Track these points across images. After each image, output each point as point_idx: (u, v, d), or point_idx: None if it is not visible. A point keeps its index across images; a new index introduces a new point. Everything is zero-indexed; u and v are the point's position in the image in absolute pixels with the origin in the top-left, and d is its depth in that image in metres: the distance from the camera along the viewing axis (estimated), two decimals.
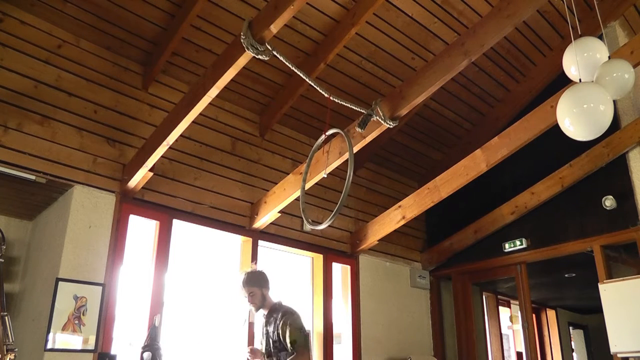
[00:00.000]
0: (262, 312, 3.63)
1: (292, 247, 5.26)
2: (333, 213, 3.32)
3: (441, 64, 3.63)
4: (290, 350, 3.34)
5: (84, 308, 3.62)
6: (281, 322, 3.42)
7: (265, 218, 4.75)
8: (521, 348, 6.85)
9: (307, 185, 4.61)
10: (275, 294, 3.73)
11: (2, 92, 3.60)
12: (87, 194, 3.86)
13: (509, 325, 8.05)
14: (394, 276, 6.12)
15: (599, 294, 4.89)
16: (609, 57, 2.70)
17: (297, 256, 5.43)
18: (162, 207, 4.30)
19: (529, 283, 5.80)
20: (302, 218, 5.32)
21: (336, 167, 4.48)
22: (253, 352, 3.65)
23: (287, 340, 3.35)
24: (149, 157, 3.77)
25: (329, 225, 5.54)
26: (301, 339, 3.37)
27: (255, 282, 3.60)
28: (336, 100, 3.57)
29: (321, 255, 5.45)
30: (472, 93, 5.89)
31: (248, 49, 3.00)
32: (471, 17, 4.88)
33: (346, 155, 4.22)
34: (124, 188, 4.02)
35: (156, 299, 4.05)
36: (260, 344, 3.64)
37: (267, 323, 3.55)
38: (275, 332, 3.43)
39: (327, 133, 3.73)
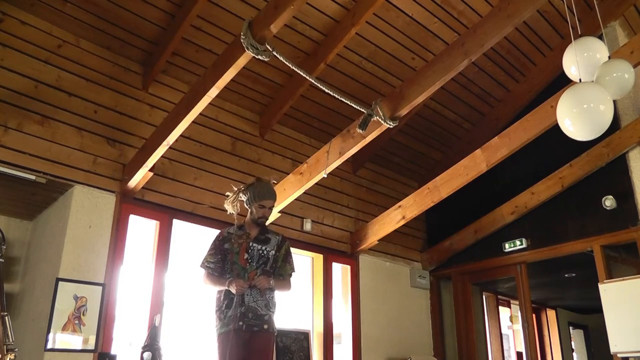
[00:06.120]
0: (246, 230, 3.42)
1: (292, 247, 5.19)
2: None
3: (441, 64, 3.63)
4: (282, 278, 3.38)
5: (84, 308, 3.62)
6: (284, 246, 3.45)
7: None
8: (521, 348, 6.85)
9: (307, 185, 4.62)
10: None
11: (2, 92, 3.60)
12: (87, 194, 3.86)
13: (509, 325, 8.04)
14: (394, 276, 6.12)
15: (599, 294, 4.89)
16: (609, 57, 2.70)
17: (297, 256, 5.41)
18: (162, 207, 4.30)
19: (529, 283, 5.80)
20: (302, 218, 5.34)
21: (336, 167, 4.49)
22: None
23: (289, 268, 3.42)
24: (149, 157, 3.77)
25: (329, 225, 5.64)
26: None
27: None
28: (336, 99, 3.56)
29: (321, 255, 5.45)
30: (472, 93, 5.89)
31: (248, 49, 3.00)
32: (471, 17, 4.88)
33: (346, 155, 4.24)
34: (124, 188, 4.02)
35: (156, 299, 4.05)
36: (243, 263, 3.28)
37: (257, 240, 3.38)
38: (275, 253, 3.38)
39: None
